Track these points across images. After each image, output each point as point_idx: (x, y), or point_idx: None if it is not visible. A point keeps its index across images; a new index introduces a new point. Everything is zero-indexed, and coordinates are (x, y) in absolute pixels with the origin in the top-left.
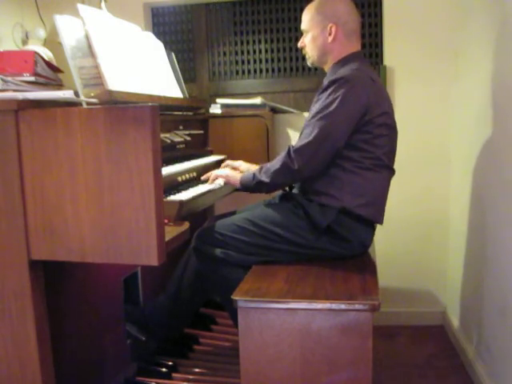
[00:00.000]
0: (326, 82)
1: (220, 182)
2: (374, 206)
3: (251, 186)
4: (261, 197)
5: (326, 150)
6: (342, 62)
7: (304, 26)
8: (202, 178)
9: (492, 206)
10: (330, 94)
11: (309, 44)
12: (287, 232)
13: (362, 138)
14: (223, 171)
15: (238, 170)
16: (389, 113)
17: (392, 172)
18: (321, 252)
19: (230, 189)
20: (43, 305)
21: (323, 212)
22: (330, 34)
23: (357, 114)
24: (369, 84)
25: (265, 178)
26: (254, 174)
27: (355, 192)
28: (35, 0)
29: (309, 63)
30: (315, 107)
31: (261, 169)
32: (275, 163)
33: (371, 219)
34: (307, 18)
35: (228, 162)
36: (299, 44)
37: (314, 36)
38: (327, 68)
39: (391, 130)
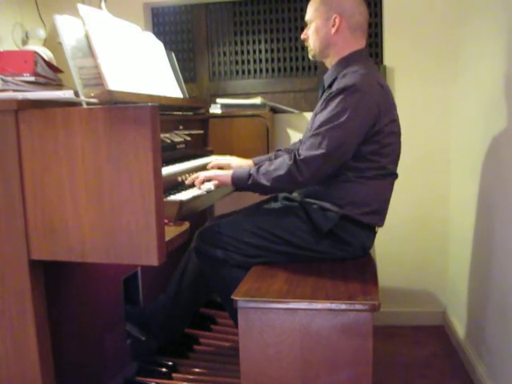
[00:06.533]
0: (327, 82)
1: (209, 186)
2: (377, 213)
3: (246, 186)
4: (261, 197)
5: (335, 162)
6: (346, 61)
7: (308, 16)
8: (187, 182)
9: (492, 206)
10: (339, 102)
11: (312, 35)
12: (288, 234)
13: (369, 150)
14: (210, 172)
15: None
16: (395, 120)
17: (395, 176)
18: (322, 255)
19: (230, 188)
20: (43, 305)
21: (325, 216)
22: (333, 26)
23: (367, 125)
24: (378, 92)
25: (264, 181)
26: (251, 174)
27: (358, 202)
28: (35, 0)
29: (310, 56)
30: (323, 115)
31: (258, 169)
32: (279, 168)
33: (373, 225)
34: (312, 9)
35: (213, 162)
36: (302, 36)
37: (318, 27)
38: (329, 63)
39: (398, 136)
